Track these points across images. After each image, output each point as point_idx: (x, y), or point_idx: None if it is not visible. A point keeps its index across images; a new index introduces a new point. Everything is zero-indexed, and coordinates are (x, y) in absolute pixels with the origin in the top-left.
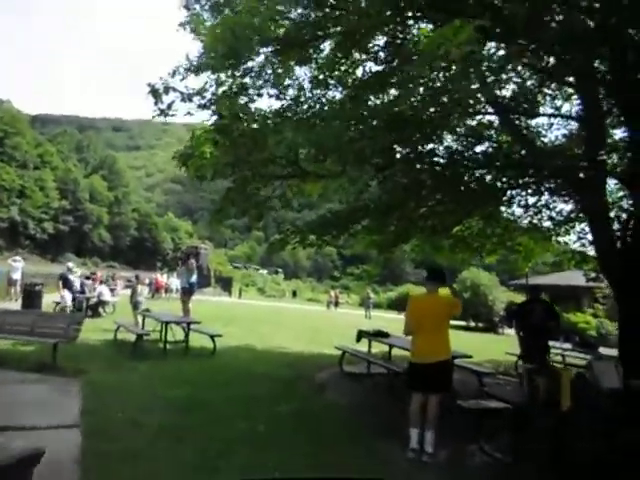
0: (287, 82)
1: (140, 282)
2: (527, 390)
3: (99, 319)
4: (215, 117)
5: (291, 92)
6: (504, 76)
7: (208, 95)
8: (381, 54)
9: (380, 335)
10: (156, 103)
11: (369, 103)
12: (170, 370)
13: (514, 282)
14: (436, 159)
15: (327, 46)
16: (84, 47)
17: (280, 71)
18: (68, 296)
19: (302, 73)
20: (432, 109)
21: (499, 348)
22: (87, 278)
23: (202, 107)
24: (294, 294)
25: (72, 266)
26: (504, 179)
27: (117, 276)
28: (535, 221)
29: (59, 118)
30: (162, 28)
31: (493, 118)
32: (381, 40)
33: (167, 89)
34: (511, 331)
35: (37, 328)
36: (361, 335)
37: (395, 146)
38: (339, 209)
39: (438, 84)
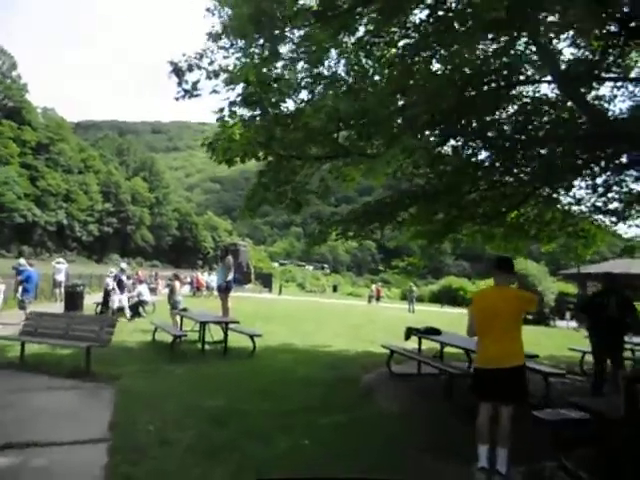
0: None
1: (180, 280)
2: (623, 399)
3: (140, 319)
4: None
5: (330, 61)
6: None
7: (234, 64)
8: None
9: (431, 332)
10: (180, 83)
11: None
12: (207, 374)
13: (564, 272)
14: (493, 134)
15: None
16: (118, 53)
17: (319, 37)
18: (124, 298)
19: (342, 42)
20: (487, 78)
21: (554, 343)
22: (128, 278)
23: (229, 83)
24: (334, 289)
25: (125, 267)
26: (570, 154)
27: (159, 275)
28: (600, 203)
29: (100, 123)
30: (196, 32)
31: (552, 88)
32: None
33: (191, 66)
34: (563, 323)
35: (71, 331)
36: (410, 333)
37: (453, 114)
38: (383, 197)
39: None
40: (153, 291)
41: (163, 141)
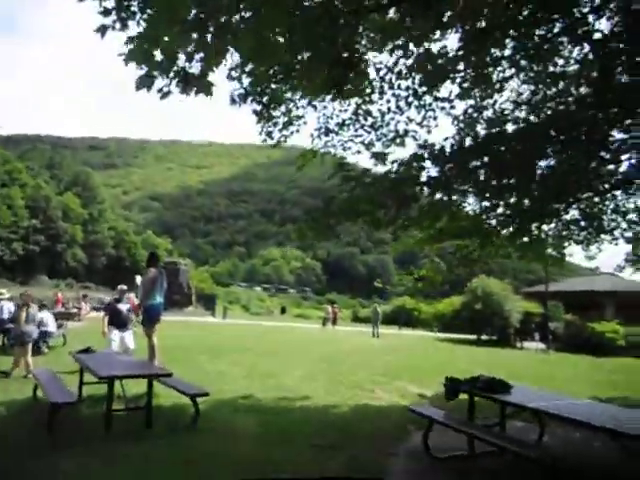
0: None
1: (32, 302)
2: None
3: (40, 357)
4: None
5: None
6: None
7: None
8: None
9: (493, 389)
10: None
11: None
12: None
13: (529, 289)
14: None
15: None
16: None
17: None
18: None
19: None
20: None
21: (545, 371)
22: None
23: None
24: (283, 311)
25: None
26: None
27: (87, 298)
28: None
29: (33, 137)
30: None
31: None
32: None
33: None
34: (531, 345)
35: None
36: (456, 389)
37: None
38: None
39: None
40: (72, 316)
41: (100, 157)
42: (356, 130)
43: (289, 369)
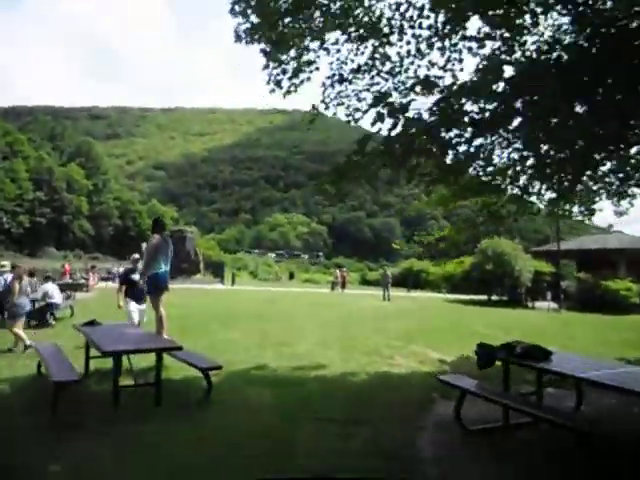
0: None
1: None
2: None
3: (48, 329)
4: None
5: None
6: None
7: None
8: None
9: (533, 355)
10: None
11: None
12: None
13: (539, 248)
14: None
15: None
16: (55, 33)
17: None
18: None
19: None
20: None
21: (565, 332)
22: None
23: None
24: (291, 276)
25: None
26: None
27: (96, 269)
28: None
29: (33, 109)
30: (139, 13)
31: None
32: None
33: None
34: (544, 304)
35: None
36: (491, 357)
37: None
38: None
39: None
40: (80, 287)
41: (102, 127)
42: (372, 78)
43: (302, 336)
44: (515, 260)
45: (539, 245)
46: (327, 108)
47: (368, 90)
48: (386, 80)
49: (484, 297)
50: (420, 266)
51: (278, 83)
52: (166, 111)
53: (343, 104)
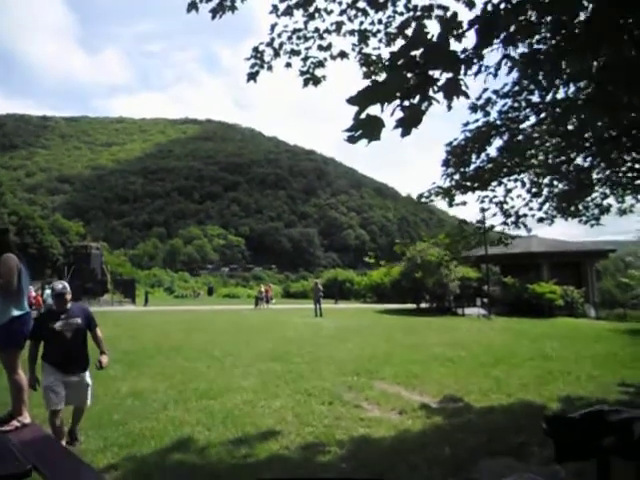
0: None
1: None
2: None
3: None
4: None
5: None
6: None
7: None
8: None
9: None
10: None
11: None
12: None
13: (465, 254)
14: None
15: None
16: None
17: None
18: None
19: None
20: None
21: (530, 348)
22: None
23: None
24: (210, 291)
25: None
26: None
27: None
28: None
29: None
30: (37, 13)
31: None
32: None
33: None
34: (472, 310)
35: None
36: (580, 444)
37: None
38: None
39: None
40: None
41: None
42: (343, 12)
43: (235, 378)
44: (443, 267)
45: (447, 248)
46: (277, 55)
47: (338, 30)
48: (366, 15)
49: (413, 306)
50: (345, 276)
51: None
52: (70, 120)
53: (299, 52)
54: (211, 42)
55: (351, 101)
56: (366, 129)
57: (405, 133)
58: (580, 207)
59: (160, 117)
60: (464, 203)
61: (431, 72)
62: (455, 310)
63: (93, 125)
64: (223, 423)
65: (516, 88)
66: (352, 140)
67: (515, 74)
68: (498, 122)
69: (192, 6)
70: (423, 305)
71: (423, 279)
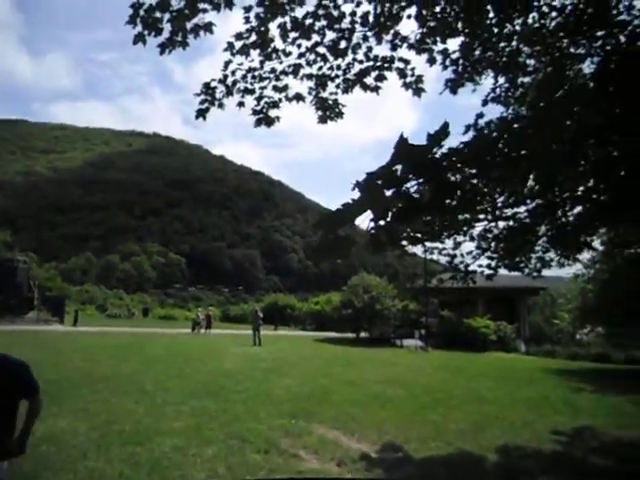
0: None
1: None
2: None
3: None
4: None
5: None
6: None
7: None
8: None
9: None
10: None
11: None
12: None
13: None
14: None
15: None
16: None
17: None
18: None
19: None
20: None
21: (467, 387)
22: None
23: None
24: (145, 312)
25: None
26: None
27: None
28: None
29: None
30: None
31: None
32: None
33: None
34: (411, 342)
35: None
36: None
37: None
38: None
39: None
40: None
41: None
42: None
43: (164, 419)
44: (384, 298)
45: (390, 280)
46: (230, 94)
47: (295, 71)
48: (325, 60)
49: (353, 335)
50: (285, 301)
51: (154, 23)
52: (5, 123)
53: (253, 91)
54: (164, 58)
55: (319, 226)
56: (334, 251)
57: None
58: (523, 260)
59: (105, 127)
60: (414, 254)
61: None
62: (394, 341)
63: (31, 130)
64: (149, 476)
65: None
66: (319, 259)
67: None
68: None
69: (139, 38)
70: (363, 334)
71: (364, 309)
